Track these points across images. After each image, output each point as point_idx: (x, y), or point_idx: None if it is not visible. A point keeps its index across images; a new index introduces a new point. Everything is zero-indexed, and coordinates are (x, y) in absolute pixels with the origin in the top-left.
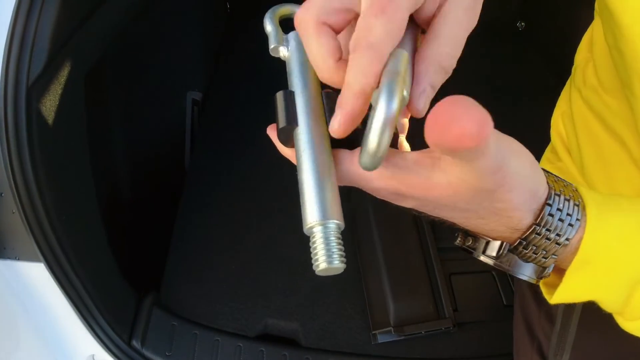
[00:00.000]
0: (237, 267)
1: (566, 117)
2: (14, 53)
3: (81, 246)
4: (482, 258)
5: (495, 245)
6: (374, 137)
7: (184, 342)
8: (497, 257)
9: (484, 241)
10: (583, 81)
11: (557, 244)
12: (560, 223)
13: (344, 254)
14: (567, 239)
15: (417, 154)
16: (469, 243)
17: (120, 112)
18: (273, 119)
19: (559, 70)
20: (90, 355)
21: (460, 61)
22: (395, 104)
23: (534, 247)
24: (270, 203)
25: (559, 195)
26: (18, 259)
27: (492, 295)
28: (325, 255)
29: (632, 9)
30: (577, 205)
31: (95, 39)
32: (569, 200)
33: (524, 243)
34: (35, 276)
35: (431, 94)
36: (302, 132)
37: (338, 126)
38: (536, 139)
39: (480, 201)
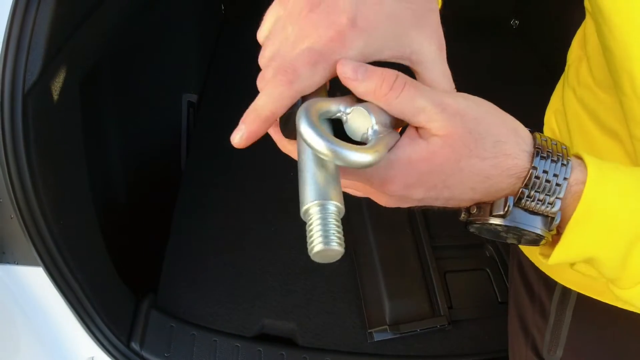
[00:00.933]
0: (234, 268)
1: (559, 114)
2: (9, 61)
3: (79, 250)
4: (492, 220)
5: (500, 203)
6: None
7: (182, 343)
8: (505, 213)
9: (489, 205)
10: (577, 79)
11: (557, 184)
12: (553, 164)
13: (342, 237)
14: (564, 178)
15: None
16: (474, 211)
17: (116, 116)
18: None
19: (552, 68)
20: (90, 357)
21: (454, 58)
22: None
23: (537, 194)
24: (266, 204)
25: (545, 140)
26: (17, 264)
27: (487, 292)
28: (322, 237)
29: (622, 8)
30: (565, 148)
31: (90, 44)
32: (556, 144)
33: (527, 191)
34: (34, 280)
35: None
36: None
37: (239, 140)
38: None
39: (476, 155)
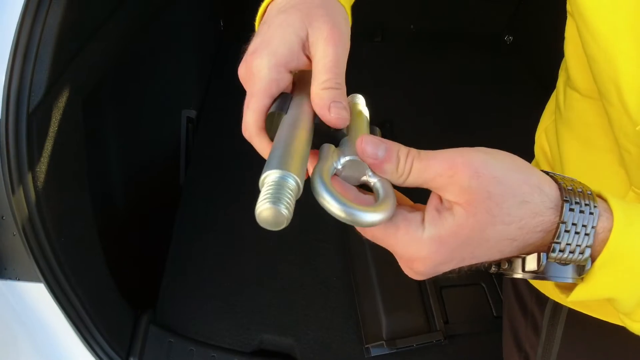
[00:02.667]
0: (233, 284)
1: (550, 132)
2: (14, 80)
3: (80, 266)
4: (522, 275)
5: (532, 258)
6: None
7: (180, 358)
8: (538, 269)
9: (520, 259)
10: (564, 95)
11: (586, 234)
12: (582, 215)
13: (293, 205)
14: (592, 227)
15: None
16: (505, 266)
17: (116, 133)
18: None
19: (546, 84)
20: None
21: (448, 74)
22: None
23: (568, 246)
24: None
25: (571, 189)
26: (19, 280)
27: (482, 307)
28: (272, 197)
29: (606, 17)
30: (590, 194)
31: (93, 63)
32: (581, 191)
33: (558, 244)
34: (36, 296)
35: (336, 107)
36: (289, 117)
37: None
38: (523, 153)
39: (500, 221)
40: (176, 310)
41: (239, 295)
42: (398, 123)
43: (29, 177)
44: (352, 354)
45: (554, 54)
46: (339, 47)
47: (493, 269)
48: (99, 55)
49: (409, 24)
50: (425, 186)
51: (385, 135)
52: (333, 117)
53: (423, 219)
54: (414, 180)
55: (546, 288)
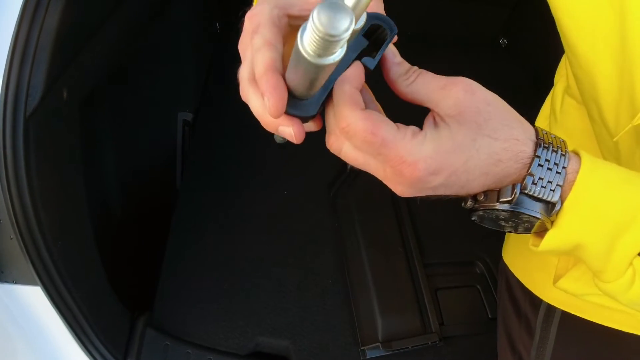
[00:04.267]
0: (229, 286)
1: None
2: (11, 85)
3: (76, 270)
4: (499, 205)
5: (507, 189)
6: None
7: None
8: (512, 199)
9: (496, 191)
10: (560, 101)
11: (557, 172)
12: (554, 154)
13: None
14: (563, 167)
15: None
16: (481, 198)
17: (112, 136)
18: (263, 139)
19: (541, 87)
20: None
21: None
22: None
23: (541, 181)
24: (261, 222)
25: (546, 133)
26: (15, 283)
27: (477, 308)
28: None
29: (586, 38)
30: (563, 141)
31: (89, 67)
32: (555, 137)
33: (531, 177)
34: (32, 299)
35: None
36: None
37: (274, 113)
38: None
39: (487, 134)
40: (173, 313)
41: (235, 298)
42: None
43: (26, 180)
44: (347, 356)
45: (548, 57)
46: None
47: (469, 202)
48: (96, 58)
49: (405, 28)
50: (424, 100)
51: None
52: None
53: (421, 132)
54: (416, 88)
55: (540, 290)
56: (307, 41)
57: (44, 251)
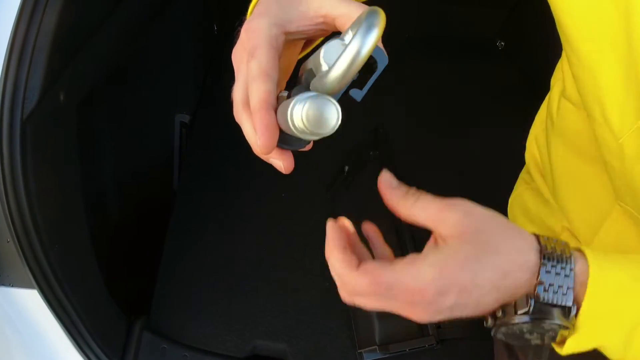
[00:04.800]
0: (226, 290)
1: (540, 140)
2: (8, 87)
3: (73, 273)
4: (517, 318)
5: (522, 300)
6: (347, 59)
7: None
8: (529, 308)
9: (512, 304)
10: (557, 105)
11: (566, 276)
12: (559, 258)
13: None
14: (571, 269)
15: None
16: (500, 315)
17: (109, 138)
18: None
19: (538, 90)
20: None
21: (440, 81)
22: (374, 35)
23: (551, 286)
24: (259, 225)
25: (547, 239)
26: (12, 286)
27: None
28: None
29: (590, 37)
30: (565, 243)
31: (87, 69)
32: (557, 241)
33: (542, 285)
34: (29, 302)
35: None
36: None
37: (262, 146)
38: (515, 158)
39: (491, 251)
40: (170, 317)
41: (232, 301)
42: (391, 128)
43: (23, 183)
44: (345, 359)
45: (545, 60)
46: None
47: (490, 321)
48: (93, 60)
49: (402, 31)
50: (424, 223)
51: (379, 140)
52: None
53: (420, 255)
54: (416, 212)
55: None
56: (296, 122)
57: (41, 254)
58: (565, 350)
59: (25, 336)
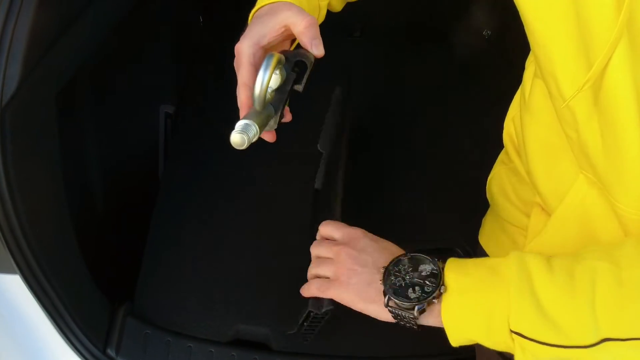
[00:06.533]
0: (209, 275)
1: (516, 121)
2: None
3: (55, 258)
4: (401, 257)
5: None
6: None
7: (157, 349)
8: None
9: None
10: (529, 84)
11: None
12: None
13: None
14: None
15: None
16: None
17: (93, 127)
18: None
19: (520, 76)
20: None
21: (426, 68)
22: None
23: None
24: (242, 212)
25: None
26: None
27: None
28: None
29: (542, 16)
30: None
31: (67, 58)
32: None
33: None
34: (12, 287)
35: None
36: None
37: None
38: (498, 141)
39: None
40: (153, 302)
41: (215, 287)
42: (378, 112)
43: (2, 170)
44: (326, 343)
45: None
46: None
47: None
48: (73, 49)
49: (389, 19)
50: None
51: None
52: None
53: None
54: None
55: None
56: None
57: (22, 240)
58: (444, 312)
59: (8, 321)
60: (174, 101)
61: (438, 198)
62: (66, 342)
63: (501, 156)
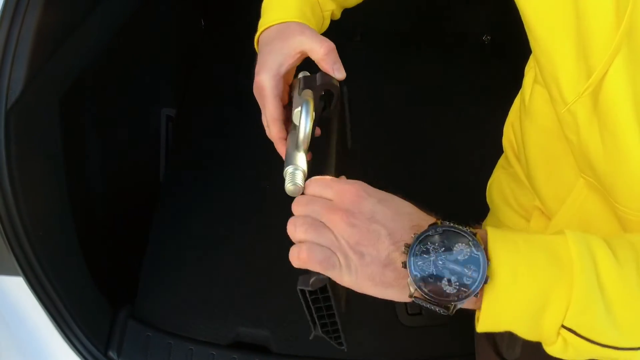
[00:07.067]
0: (210, 279)
1: (516, 126)
2: None
3: (58, 261)
4: (430, 230)
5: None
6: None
7: (158, 351)
8: (439, 223)
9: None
10: (529, 90)
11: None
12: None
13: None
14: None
15: None
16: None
17: (95, 131)
18: (245, 135)
19: (520, 82)
20: None
21: (426, 74)
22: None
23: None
24: (243, 215)
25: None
26: None
27: None
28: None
29: (544, 21)
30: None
31: (70, 62)
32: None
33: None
34: (15, 289)
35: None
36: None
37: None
38: (497, 146)
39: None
40: (154, 305)
41: (216, 290)
42: (379, 117)
43: (7, 171)
44: (326, 345)
45: (530, 53)
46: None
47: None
48: (77, 53)
49: (389, 24)
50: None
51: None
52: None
53: None
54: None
55: None
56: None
57: (26, 242)
58: (479, 328)
59: (11, 324)
60: (175, 104)
61: (437, 202)
62: (68, 344)
63: (501, 161)
